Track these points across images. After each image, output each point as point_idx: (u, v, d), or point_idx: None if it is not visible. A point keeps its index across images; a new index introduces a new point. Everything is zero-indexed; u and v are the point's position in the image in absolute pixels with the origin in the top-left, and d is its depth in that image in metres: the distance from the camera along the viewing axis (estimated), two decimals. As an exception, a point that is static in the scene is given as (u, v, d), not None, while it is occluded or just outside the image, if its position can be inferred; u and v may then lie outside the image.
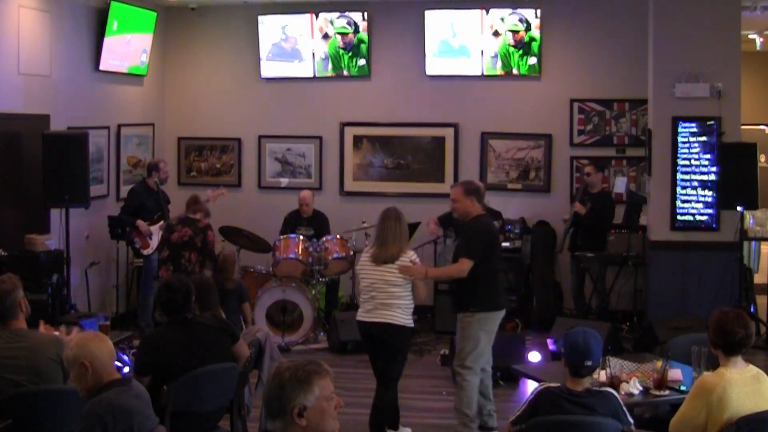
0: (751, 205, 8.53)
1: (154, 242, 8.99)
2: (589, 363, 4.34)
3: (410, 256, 6.20)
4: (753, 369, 4.39)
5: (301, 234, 9.44)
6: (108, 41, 9.41)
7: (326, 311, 9.53)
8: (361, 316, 6.26)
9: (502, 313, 6.41)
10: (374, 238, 6.39)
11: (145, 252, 9.18)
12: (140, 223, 9.07)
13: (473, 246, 6.30)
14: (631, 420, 4.40)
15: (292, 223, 9.75)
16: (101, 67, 9.43)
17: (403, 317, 6.17)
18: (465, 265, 6.22)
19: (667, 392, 5.05)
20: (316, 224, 9.72)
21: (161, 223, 9.11)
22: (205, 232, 7.95)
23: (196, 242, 7.86)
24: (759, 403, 4.27)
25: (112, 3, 9.33)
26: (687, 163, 8.79)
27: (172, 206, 9.58)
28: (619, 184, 10.10)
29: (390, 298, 6.12)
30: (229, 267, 7.61)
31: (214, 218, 9.43)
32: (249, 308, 7.76)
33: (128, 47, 9.85)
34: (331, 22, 10.46)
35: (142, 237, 9.06)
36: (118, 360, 5.02)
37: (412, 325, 6.28)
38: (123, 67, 9.86)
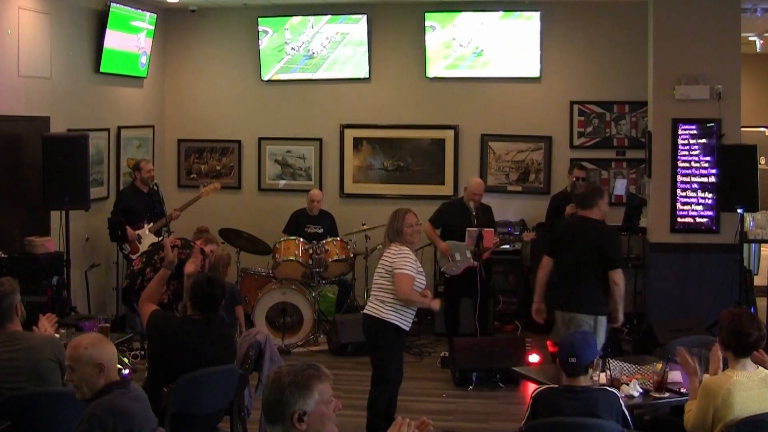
0: (751, 207, 8.51)
1: (145, 245, 8.76)
2: (573, 360, 4.36)
3: (391, 253, 6.07)
4: (762, 372, 4.35)
5: (310, 231, 9.44)
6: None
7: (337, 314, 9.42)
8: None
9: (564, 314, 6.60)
10: None
11: (134, 257, 8.69)
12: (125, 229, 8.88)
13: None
14: (631, 423, 4.41)
15: (300, 221, 9.73)
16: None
17: (384, 310, 6.03)
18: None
19: (667, 394, 5.06)
20: (325, 222, 9.72)
21: (151, 225, 9.06)
22: (192, 249, 7.09)
23: (181, 253, 6.93)
24: (764, 406, 4.24)
25: (112, 5, 9.34)
26: (687, 165, 8.78)
27: (170, 207, 9.53)
28: (619, 186, 10.10)
29: (376, 290, 6.11)
30: (221, 268, 7.12)
31: (213, 220, 9.44)
32: (242, 312, 7.44)
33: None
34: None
35: (131, 242, 8.94)
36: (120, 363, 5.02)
37: (393, 321, 6.04)
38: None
